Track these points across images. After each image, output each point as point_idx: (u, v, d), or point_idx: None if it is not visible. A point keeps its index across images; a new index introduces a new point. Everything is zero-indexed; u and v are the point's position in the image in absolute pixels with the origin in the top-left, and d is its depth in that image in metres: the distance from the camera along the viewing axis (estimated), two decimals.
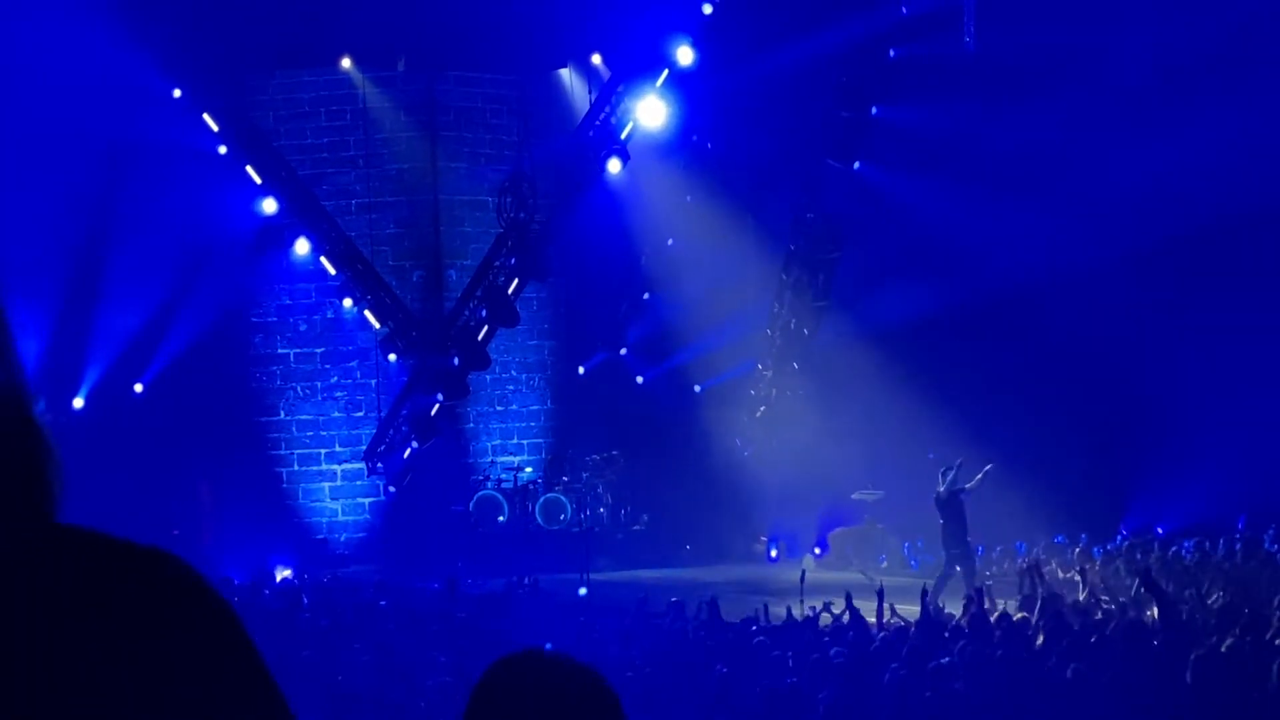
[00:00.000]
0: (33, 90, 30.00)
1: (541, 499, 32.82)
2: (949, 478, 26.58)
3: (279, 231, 33.46)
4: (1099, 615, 18.91)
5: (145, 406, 33.15)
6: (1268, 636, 15.98)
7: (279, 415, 34.36)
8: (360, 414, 34.30)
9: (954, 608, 22.36)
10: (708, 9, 32.37)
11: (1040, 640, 16.58)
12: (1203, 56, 29.80)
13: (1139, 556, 26.98)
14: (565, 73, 35.26)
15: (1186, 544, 27.93)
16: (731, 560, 32.53)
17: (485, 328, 32.94)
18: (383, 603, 22.46)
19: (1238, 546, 27.25)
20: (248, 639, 2.30)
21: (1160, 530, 29.96)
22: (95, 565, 2.23)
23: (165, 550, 2.30)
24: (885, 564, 31.54)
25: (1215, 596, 20.90)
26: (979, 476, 26.79)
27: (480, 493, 32.94)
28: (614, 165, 33.32)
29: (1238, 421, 29.62)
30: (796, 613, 21.29)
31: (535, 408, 35.70)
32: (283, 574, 29.74)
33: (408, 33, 32.73)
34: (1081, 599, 20.99)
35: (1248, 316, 30.64)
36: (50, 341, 32.50)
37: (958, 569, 26.17)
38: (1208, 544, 27.79)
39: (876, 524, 32.44)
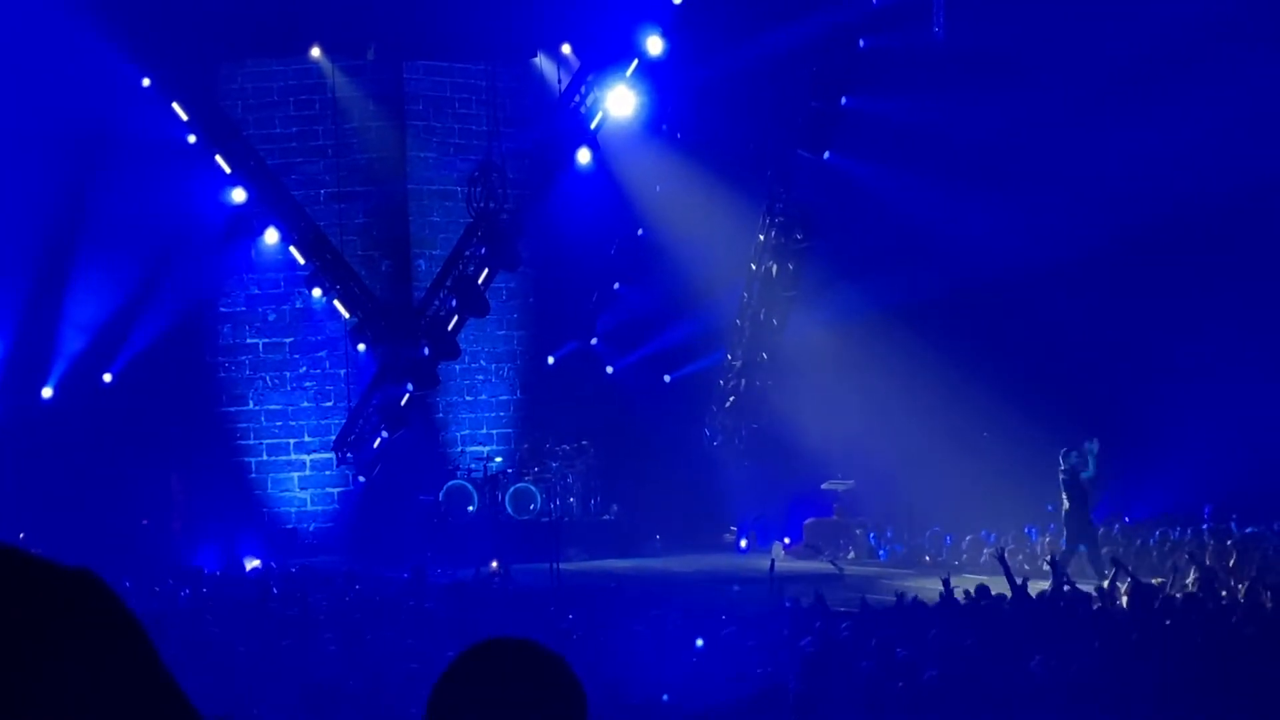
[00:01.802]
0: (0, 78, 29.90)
1: (511, 489, 32.78)
2: (1070, 460, 26.58)
3: (248, 221, 33.40)
4: (1062, 604, 18.97)
5: (114, 396, 33.06)
6: (1232, 620, 16.08)
7: (248, 405, 34.31)
8: (329, 404, 34.25)
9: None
10: None
11: (1009, 629, 16.65)
12: (1173, 46, 29.87)
13: (1105, 550, 27.17)
14: (536, 62, 35.21)
15: (1154, 533, 28.13)
16: (701, 550, 32.58)
17: (455, 318, 32.91)
18: (348, 598, 22.45)
19: (1206, 536, 27.42)
20: (155, 656, 2.29)
21: (1128, 520, 30.07)
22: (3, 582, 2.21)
23: (77, 569, 2.28)
24: (852, 554, 31.60)
25: (1183, 585, 21.01)
26: (1091, 457, 26.76)
27: (450, 483, 32.89)
28: (584, 155, 33.33)
29: (1205, 412, 29.72)
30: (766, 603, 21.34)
31: (505, 398, 35.68)
32: (252, 564, 29.70)
33: (377, 22, 32.69)
34: (1049, 587, 21.05)
35: (1212, 309, 30.76)
36: (19, 331, 32.42)
37: (1081, 549, 26.20)
38: (1177, 531, 27.99)
39: (847, 515, 32.46)
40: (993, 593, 19.54)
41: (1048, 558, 24.51)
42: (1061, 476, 26.47)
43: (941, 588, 19.50)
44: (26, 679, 2.14)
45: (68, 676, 2.17)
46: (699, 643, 20.61)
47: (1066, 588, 20.48)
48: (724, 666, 15.45)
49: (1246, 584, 20.82)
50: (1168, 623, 16.31)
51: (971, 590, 19.86)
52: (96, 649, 2.22)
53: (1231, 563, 24.33)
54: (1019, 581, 19.46)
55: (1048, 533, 29.08)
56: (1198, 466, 29.12)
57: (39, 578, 2.24)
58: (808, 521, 32.70)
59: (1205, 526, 28.23)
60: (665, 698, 14.63)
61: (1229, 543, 26.20)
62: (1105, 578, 22.36)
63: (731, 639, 17.41)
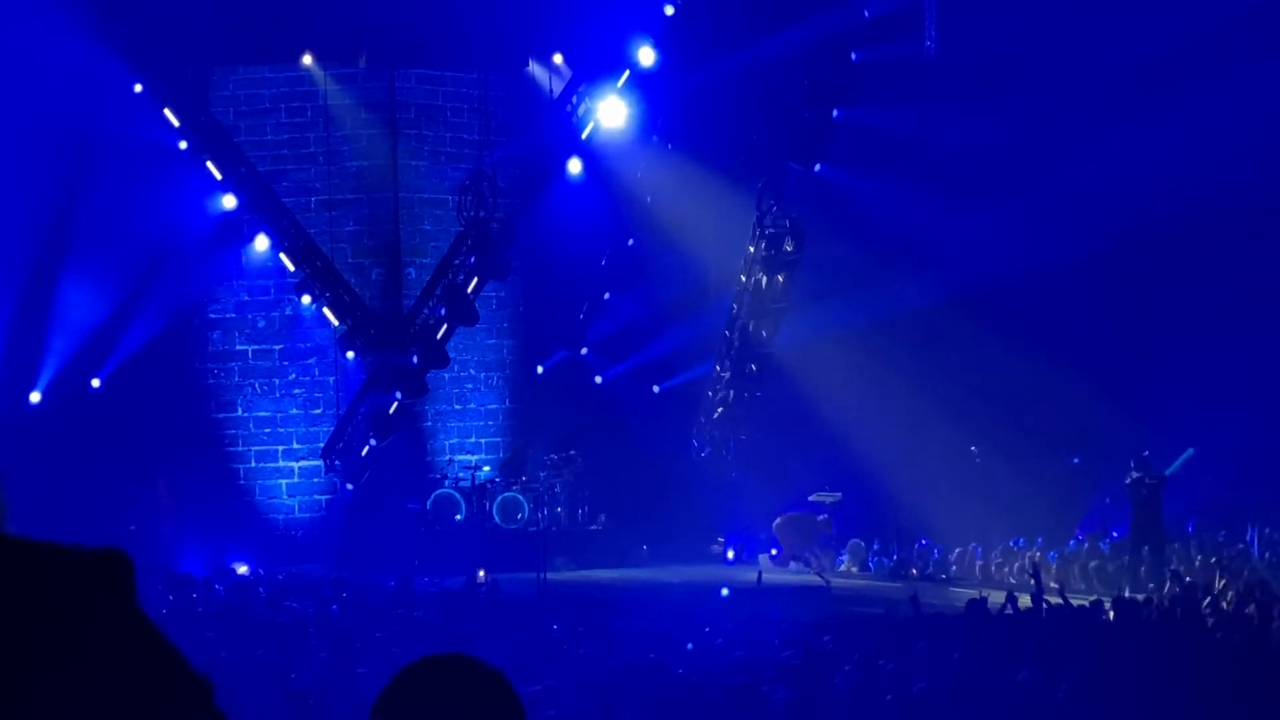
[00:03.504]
0: None
1: (499, 498, 32.76)
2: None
3: (238, 227, 33.41)
4: (1045, 616, 18.98)
5: (103, 401, 33.01)
6: (1218, 635, 16.10)
7: (236, 412, 34.27)
8: (318, 411, 34.23)
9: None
10: (669, 10, 32.40)
11: (998, 642, 16.65)
12: (1161, 58, 29.94)
13: (1093, 563, 27.24)
14: (528, 71, 35.22)
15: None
16: (688, 561, 32.52)
17: (444, 326, 32.90)
18: (335, 605, 22.39)
19: (1193, 550, 27.49)
20: (158, 634, 2.31)
21: (1115, 534, 30.09)
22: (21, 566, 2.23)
23: (89, 549, 2.29)
24: (844, 564, 31.59)
25: (1170, 596, 21.05)
26: (1178, 462, 26.86)
27: (438, 491, 32.88)
28: (575, 165, 33.35)
29: (1193, 424, 29.75)
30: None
31: (494, 407, 35.66)
32: (239, 570, 29.65)
33: (369, 30, 32.70)
34: (1030, 600, 21.06)
35: (1199, 324, 30.81)
36: (8, 335, 32.37)
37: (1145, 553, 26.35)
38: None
39: (826, 519, 32.34)
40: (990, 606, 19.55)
41: (1030, 568, 24.50)
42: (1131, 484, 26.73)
43: (917, 602, 19.51)
44: (35, 653, 2.16)
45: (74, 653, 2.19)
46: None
47: (1056, 600, 20.48)
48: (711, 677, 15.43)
49: (1233, 599, 20.85)
50: (1155, 636, 16.34)
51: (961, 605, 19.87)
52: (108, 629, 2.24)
53: (1217, 577, 24.36)
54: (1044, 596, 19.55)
55: (1036, 545, 29.14)
56: (1184, 481, 29.14)
57: (56, 560, 2.26)
58: (777, 521, 32.52)
59: (1191, 541, 28.30)
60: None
61: (1214, 559, 26.24)
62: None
63: (719, 650, 17.40)
